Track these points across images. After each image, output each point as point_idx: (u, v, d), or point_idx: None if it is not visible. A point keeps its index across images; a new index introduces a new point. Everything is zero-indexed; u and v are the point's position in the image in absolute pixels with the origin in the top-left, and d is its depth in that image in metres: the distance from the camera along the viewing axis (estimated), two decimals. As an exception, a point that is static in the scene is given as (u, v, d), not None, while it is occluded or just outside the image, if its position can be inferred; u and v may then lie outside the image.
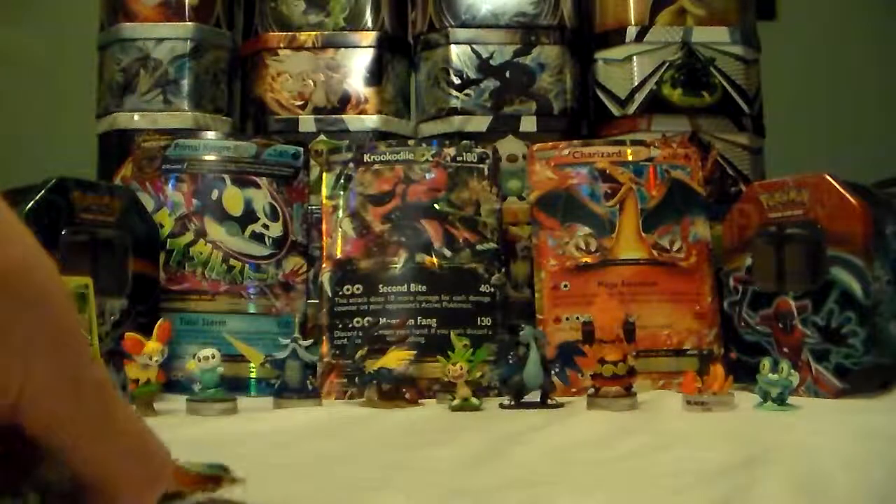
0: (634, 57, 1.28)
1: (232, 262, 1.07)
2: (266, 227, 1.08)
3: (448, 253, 1.04)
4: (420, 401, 0.94)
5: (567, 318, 1.03)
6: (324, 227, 1.07)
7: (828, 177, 0.94)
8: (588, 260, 1.05)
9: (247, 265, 1.07)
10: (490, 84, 1.28)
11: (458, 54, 1.29)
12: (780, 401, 0.84)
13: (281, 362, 0.92)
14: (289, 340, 0.92)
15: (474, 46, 1.29)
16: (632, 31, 1.28)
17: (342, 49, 1.30)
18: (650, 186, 1.07)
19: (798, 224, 0.96)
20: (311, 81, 1.29)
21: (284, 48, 1.30)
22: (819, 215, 0.94)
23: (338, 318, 1.03)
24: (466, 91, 1.28)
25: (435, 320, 1.01)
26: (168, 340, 0.87)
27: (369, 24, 1.31)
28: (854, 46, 2.03)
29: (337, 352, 1.01)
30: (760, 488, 0.50)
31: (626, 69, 1.29)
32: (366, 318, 1.02)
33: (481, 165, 1.09)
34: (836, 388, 0.91)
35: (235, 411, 0.87)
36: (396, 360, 0.93)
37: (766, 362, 0.85)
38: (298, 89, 1.30)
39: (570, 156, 1.09)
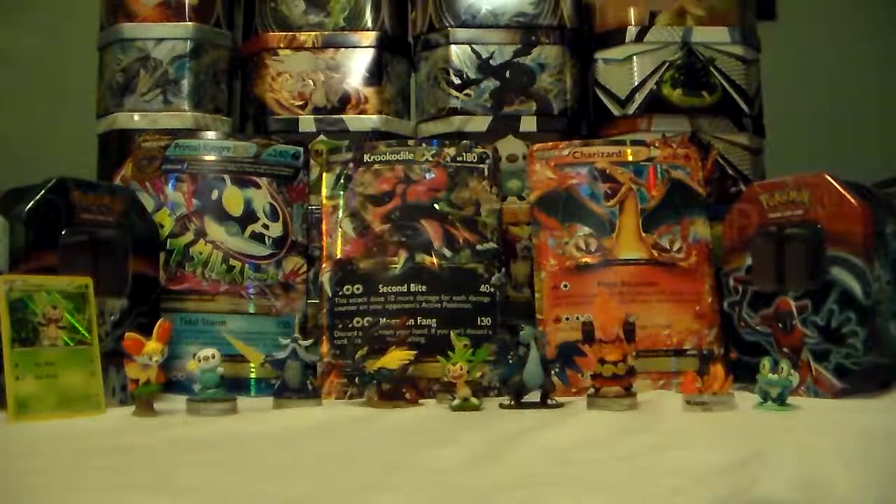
0: (634, 57, 1.28)
1: (232, 262, 1.07)
2: (266, 227, 1.08)
3: (448, 253, 1.04)
4: (420, 401, 0.94)
5: (567, 318, 1.03)
6: (324, 227, 1.07)
7: (828, 177, 0.94)
8: (588, 260, 1.05)
9: (247, 265, 1.07)
10: (490, 84, 1.28)
11: (458, 54, 1.29)
12: (780, 401, 0.84)
13: (281, 362, 0.92)
14: (289, 340, 0.92)
15: (474, 46, 1.29)
16: (632, 31, 1.28)
17: (342, 49, 1.30)
18: (650, 186, 1.07)
19: (798, 224, 0.96)
20: (311, 81, 1.29)
21: (284, 48, 1.30)
22: (819, 215, 0.94)
23: (338, 318, 1.03)
24: (466, 91, 1.28)
25: (435, 320, 1.01)
26: (168, 340, 0.87)
27: (369, 24, 1.31)
28: (854, 46, 2.03)
29: (337, 352, 1.01)
30: (760, 488, 0.50)
31: (626, 69, 1.29)
32: (366, 318, 1.02)
33: (481, 165, 1.09)
34: (836, 388, 0.91)
35: (235, 411, 0.87)
36: (396, 360, 0.93)
37: (766, 362, 0.85)
38: (298, 89, 1.30)
39: (570, 156, 1.09)
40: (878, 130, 1.99)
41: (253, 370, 1.03)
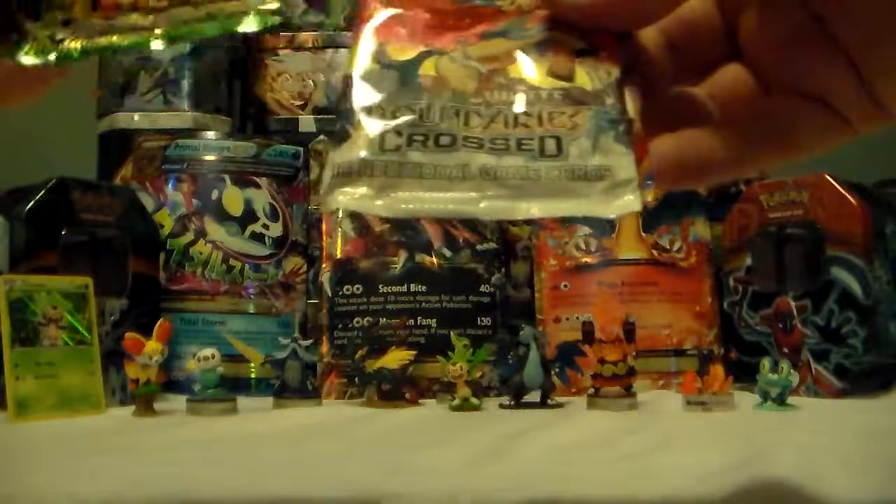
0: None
1: (232, 262, 1.06)
2: (266, 227, 1.08)
3: (448, 253, 1.04)
4: (420, 401, 0.94)
5: (567, 318, 1.03)
6: (324, 227, 1.07)
7: (828, 177, 0.94)
8: (588, 260, 1.05)
9: (247, 265, 1.07)
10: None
11: (458, 54, 1.28)
12: (780, 401, 0.84)
13: (281, 362, 0.92)
14: (289, 340, 0.92)
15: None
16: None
17: (342, 49, 1.30)
18: (650, 186, 1.07)
19: (798, 224, 0.96)
20: (311, 81, 1.29)
21: (284, 48, 1.30)
22: (819, 215, 0.94)
23: (338, 318, 1.03)
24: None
25: (435, 320, 1.01)
26: (168, 340, 0.87)
27: (369, 24, 1.31)
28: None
29: (337, 352, 1.01)
30: (760, 488, 0.50)
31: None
32: (366, 318, 1.02)
33: (481, 165, 1.08)
34: (836, 388, 0.91)
35: (235, 411, 0.87)
36: (396, 360, 0.93)
37: (766, 362, 0.85)
38: (298, 89, 1.29)
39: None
40: (879, 130, 1.99)
41: (253, 370, 1.03)
